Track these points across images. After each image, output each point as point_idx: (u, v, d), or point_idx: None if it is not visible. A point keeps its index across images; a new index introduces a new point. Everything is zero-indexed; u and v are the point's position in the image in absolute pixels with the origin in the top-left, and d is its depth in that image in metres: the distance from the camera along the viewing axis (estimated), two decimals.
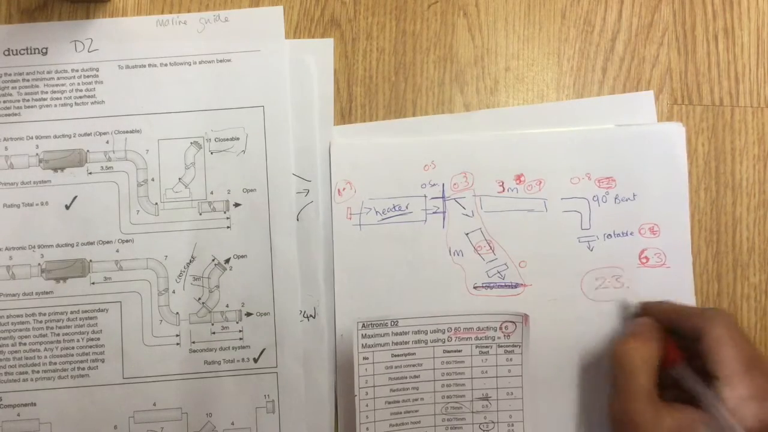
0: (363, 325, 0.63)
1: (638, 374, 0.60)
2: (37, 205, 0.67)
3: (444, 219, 0.67)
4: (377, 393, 0.63)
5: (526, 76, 0.71)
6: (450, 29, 0.71)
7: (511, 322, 0.64)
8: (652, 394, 0.59)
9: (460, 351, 0.64)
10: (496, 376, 0.64)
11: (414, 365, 0.64)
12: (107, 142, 0.68)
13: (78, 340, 0.66)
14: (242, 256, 0.67)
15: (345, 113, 0.70)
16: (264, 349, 0.67)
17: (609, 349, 0.66)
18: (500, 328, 0.64)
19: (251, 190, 0.68)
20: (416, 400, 0.64)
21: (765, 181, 0.69)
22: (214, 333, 0.67)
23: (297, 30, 0.70)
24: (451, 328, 0.64)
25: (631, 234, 0.67)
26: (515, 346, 0.64)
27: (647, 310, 0.66)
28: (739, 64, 0.70)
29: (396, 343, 0.63)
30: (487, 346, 0.64)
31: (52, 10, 0.70)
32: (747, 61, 0.70)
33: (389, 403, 0.63)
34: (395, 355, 0.63)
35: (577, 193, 0.68)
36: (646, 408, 0.58)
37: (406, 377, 0.64)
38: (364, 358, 0.63)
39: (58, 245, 0.67)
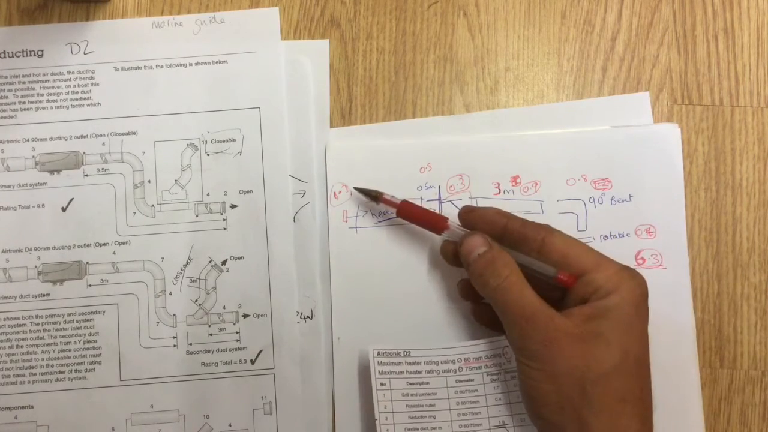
0: (378, 353, 0.62)
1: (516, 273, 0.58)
2: (33, 207, 0.67)
3: None
4: (396, 419, 0.62)
5: (526, 76, 0.70)
6: (450, 29, 0.71)
7: (507, 346, 0.62)
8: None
9: (472, 380, 0.63)
10: (509, 403, 0.62)
11: (429, 394, 0.62)
12: (103, 144, 0.68)
13: (75, 343, 0.66)
14: (239, 258, 0.67)
15: (345, 113, 0.70)
16: (261, 351, 0.66)
17: None
18: (503, 354, 0.62)
19: (248, 192, 0.68)
20: (434, 429, 0.62)
21: (765, 181, 0.68)
22: (211, 335, 0.67)
23: (297, 30, 0.70)
24: (461, 359, 0.63)
25: (627, 235, 0.67)
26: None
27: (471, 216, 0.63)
28: (739, 64, 0.70)
29: (410, 372, 0.63)
30: (497, 374, 0.62)
31: (52, 10, 0.70)
32: (747, 61, 0.70)
33: (408, 430, 0.62)
34: (410, 384, 0.62)
35: (573, 194, 0.67)
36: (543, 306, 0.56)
37: (422, 405, 0.62)
38: (382, 384, 0.62)
39: (54, 247, 0.67)
